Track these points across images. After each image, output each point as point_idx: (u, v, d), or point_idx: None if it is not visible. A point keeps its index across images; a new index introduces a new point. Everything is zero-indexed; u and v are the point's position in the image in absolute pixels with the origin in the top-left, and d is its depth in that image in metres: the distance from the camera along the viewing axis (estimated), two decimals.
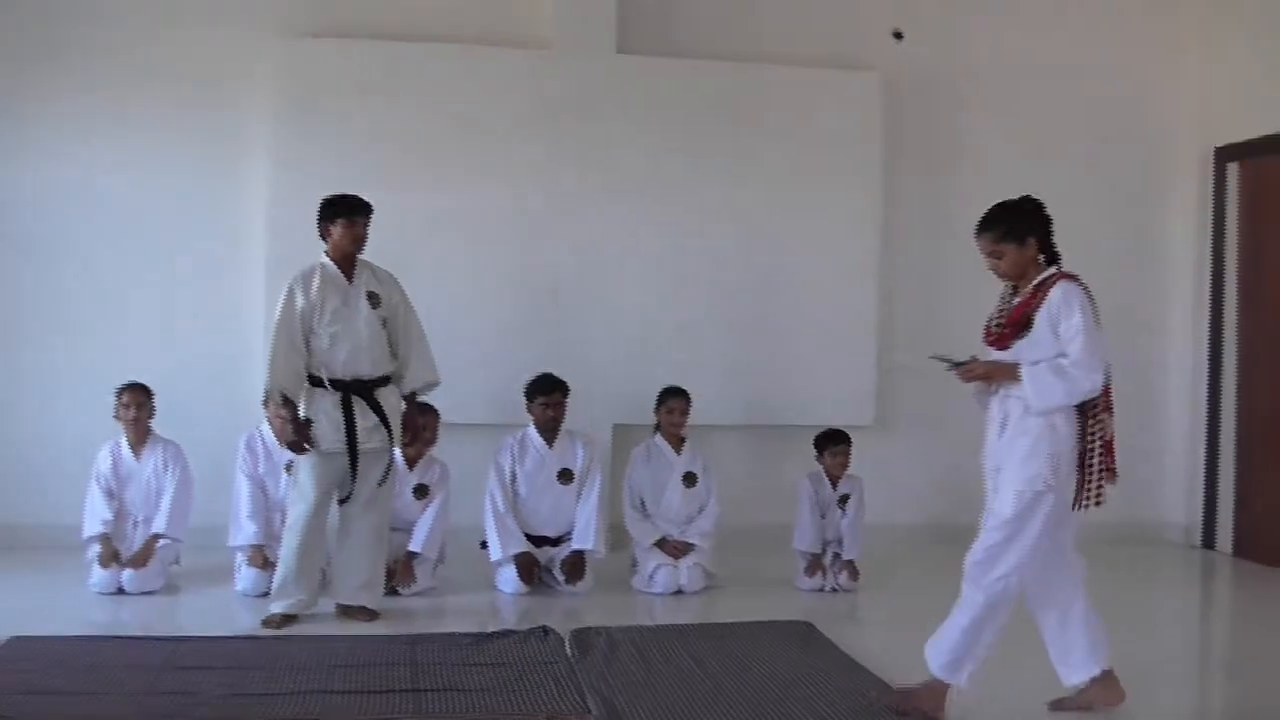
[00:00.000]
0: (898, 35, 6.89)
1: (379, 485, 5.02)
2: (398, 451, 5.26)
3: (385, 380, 5.05)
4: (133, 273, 6.50)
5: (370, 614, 5.07)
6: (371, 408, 4.97)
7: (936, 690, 3.84)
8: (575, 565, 5.82)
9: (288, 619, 5.02)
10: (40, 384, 6.53)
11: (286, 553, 5.06)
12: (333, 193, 5.15)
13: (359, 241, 5.03)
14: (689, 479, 6.05)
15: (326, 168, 6.15)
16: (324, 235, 5.06)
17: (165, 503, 5.65)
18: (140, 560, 5.59)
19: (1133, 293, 7.39)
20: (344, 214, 5.01)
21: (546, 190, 6.54)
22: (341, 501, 5.05)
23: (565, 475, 5.90)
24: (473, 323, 6.49)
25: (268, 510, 5.74)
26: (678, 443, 6.11)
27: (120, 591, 5.58)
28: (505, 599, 5.57)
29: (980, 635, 3.82)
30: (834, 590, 5.97)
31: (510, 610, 5.45)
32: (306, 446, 4.88)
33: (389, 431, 5.00)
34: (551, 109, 6.71)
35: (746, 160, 6.93)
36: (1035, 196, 3.83)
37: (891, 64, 7.20)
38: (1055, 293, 3.72)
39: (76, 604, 5.37)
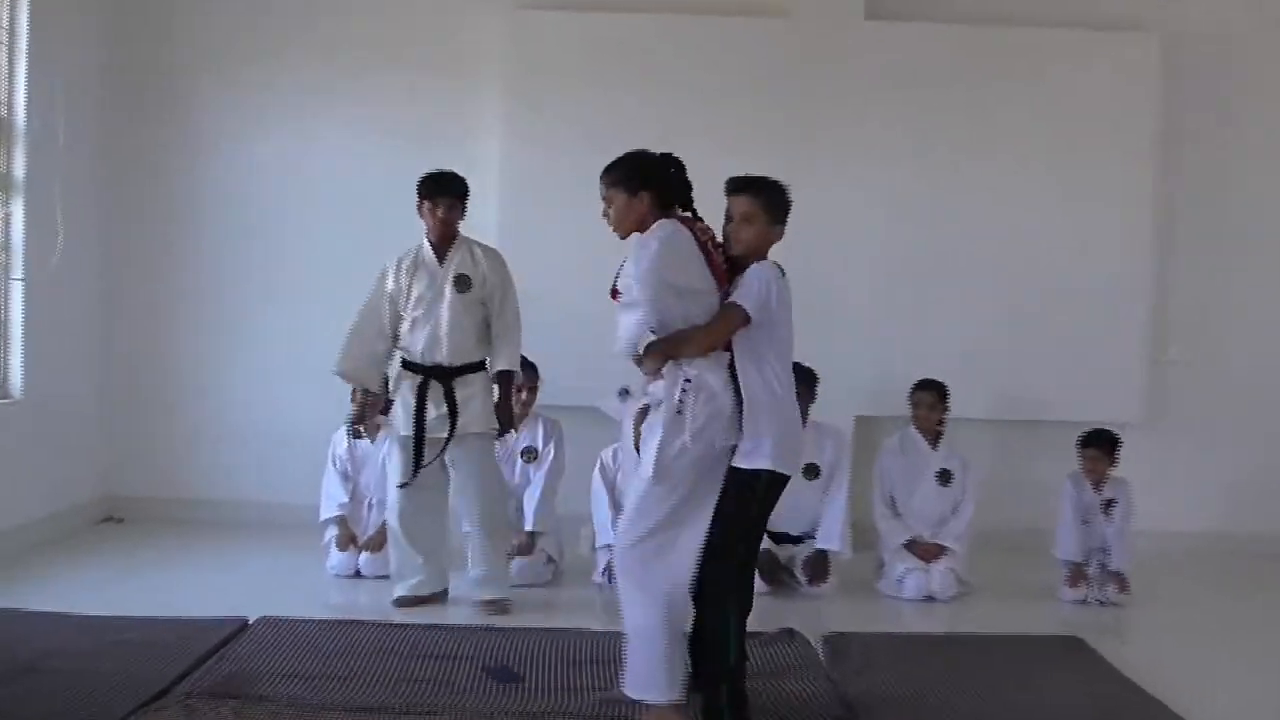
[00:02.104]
0: None
1: (421, 467, 4.93)
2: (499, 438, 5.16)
3: (473, 368, 4.95)
4: (358, 255, 6.29)
5: (498, 606, 5.05)
6: (446, 395, 4.88)
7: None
8: (819, 565, 5.72)
9: (416, 600, 5.07)
10: (269, 367, 6.75)
11: (390, 535, 5.13)
12: (456, 171, 5.08)
13: (445, 225, 4.92)
14: (944, 476, 5.92)
15: (557, 142, 6.26)
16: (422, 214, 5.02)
17: None
18: (376, 544, 5.65)
19: None
20: (429, 194, 4.93)
21: (784, 165, 6.22)
22: (401, 486, 5.02)
23: (811, 470, 5.73)
24: None
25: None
26: (934, 437, 5.97)
27: (357, 574, 5.70)
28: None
29: None
30: (1100, 603, 5.76)
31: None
32: (361, 431, 4.94)
33: (453, 421, 4.88)
34: (791, 78, 6.60)
35: (1001, 132, 6.74)
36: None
37: (1170, 23, 6.88)
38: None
39: (315, 586, 5.52)
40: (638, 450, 3.55)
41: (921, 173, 6.68)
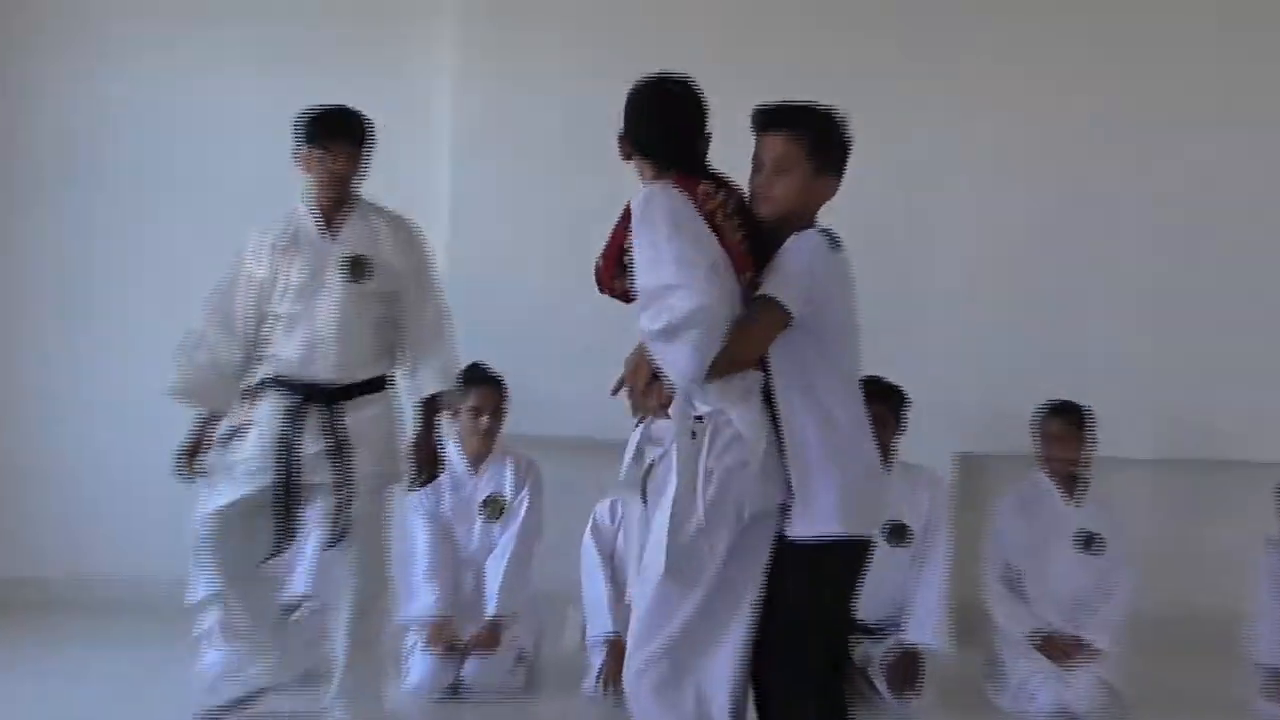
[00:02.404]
0: None
1: (324, 549, 4.39)
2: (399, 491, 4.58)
3: (369, 386, 4.36)
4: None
5: None
6: (329, 427, 4.29)
7: None
8: (908, 668, 5.03)
9: (241, 705, 4.47)
10: (121, 386, 5.78)
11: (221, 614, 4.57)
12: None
13: (339, 184, 4.36)
14: (1088, 541, 5.18)
15: (537, 75, 5.65)
16: (302, 167, 4.46)
17: None
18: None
19: None
20: (319, 137, 4.35)
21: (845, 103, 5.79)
22: (267, 560, 4.43)
23: (897, 532, 4.89)
24: None
25: (456, 565, 5.16)
26: (1070, 484, 5.22)
27: None
28: None
29: None
30: None
31: None
32: (195, 469, 4.37)
33: (344, 466, 4.30)
34: None
35: (1167, 64, 5.84)
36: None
37: None
38: None
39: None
40: (645, 502, 3.24)
41: (1039, 118, 5.80)
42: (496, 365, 5.06)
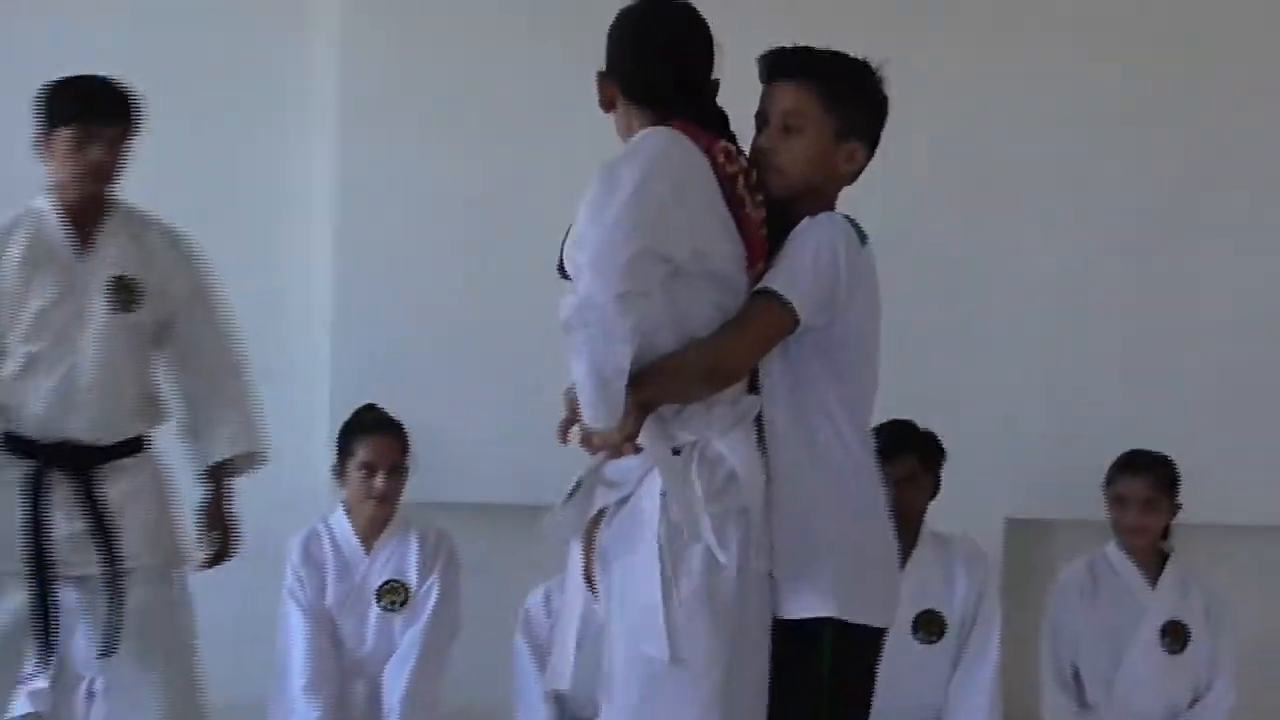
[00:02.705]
0: None
1: (99, 657, 3.99)
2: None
3: (129, 448, 3.96)
4: None
5: None
6: (85, 499, 3.89)
7: None
8: None
9: None
10: None
11: None
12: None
13: (100, 178, 3.90)
14: (1175, 634, 4.67)
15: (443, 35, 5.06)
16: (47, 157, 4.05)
17: None
18: None
19: None
20: (76, 117, 3.89)
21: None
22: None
23: (930, 624, 4.65)
24: None
25: (340, 671, 4.70)
26: (1150, 560, 4.69)
27: None
28: None
29: None
30: None
31: None
32: None
33: (110, 551, 3.88)
34: None
35: None
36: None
37: None
38: None
39: None
40: (592, 587, 2.85)
41: (1103, 94, 5.10)
42: (396, 406, 4.54)
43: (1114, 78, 5.27)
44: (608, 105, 2.86)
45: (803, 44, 2.87)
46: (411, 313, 4.71)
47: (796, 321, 2.73)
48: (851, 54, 2.88)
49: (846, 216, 2.85)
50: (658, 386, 2.72)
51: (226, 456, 3.97)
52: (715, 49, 2.86)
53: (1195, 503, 4.73)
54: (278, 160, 5.10)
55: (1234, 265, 5.36)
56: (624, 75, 2.82)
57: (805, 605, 2.80)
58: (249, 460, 4.02)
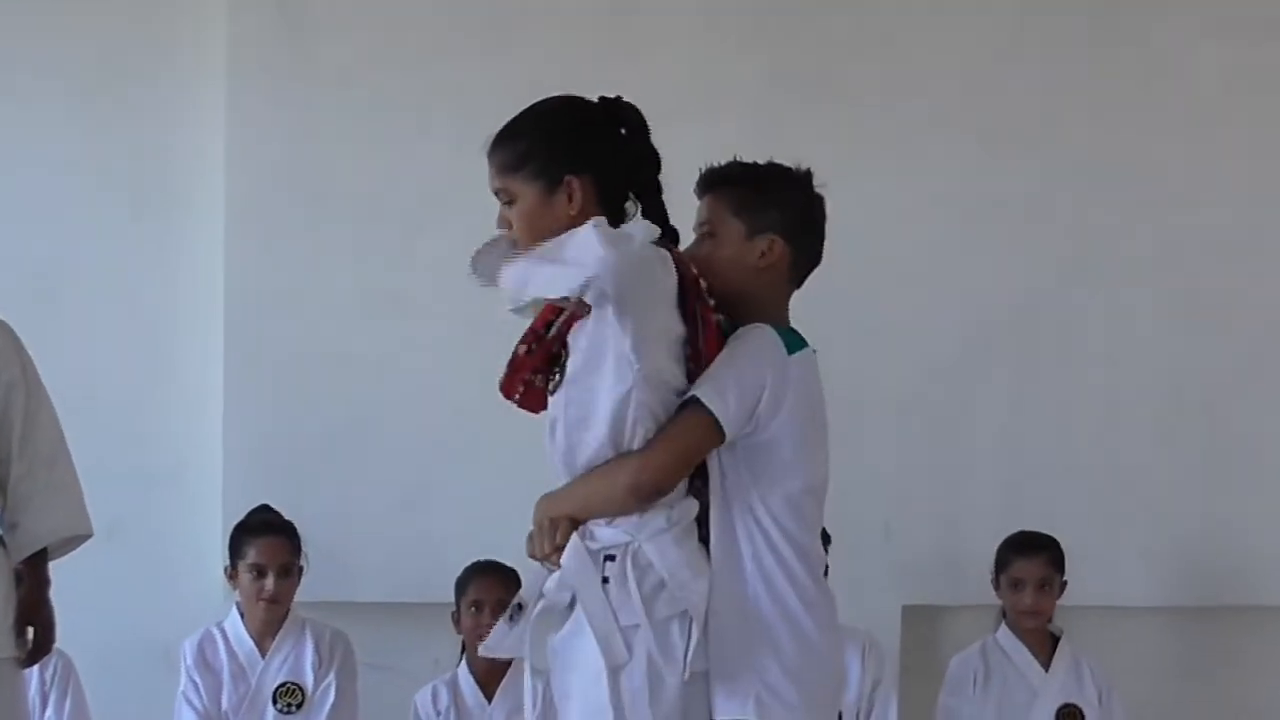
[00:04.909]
0: None
1: None
2: None
3: None
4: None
5: None
6: None
7: None
8: None
9: None
10: None
11: None
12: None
13: None
14: (1069, 717, 4.71)
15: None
16: None
17: None
18: None
19: None
20: None
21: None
22: None
23: None
24: None
25: None
26: (1041, 642, 4.71)
27: None
28: None
29: None
30: None
31: None
32: None
33: None
34: None
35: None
36: None
37: None
38: None
39: None
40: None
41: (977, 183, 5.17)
42: (290, 506, 4.48)
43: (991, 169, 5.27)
44: (551, 181, 2.78)
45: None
46: (305, 411, 4.67)
47: (719, 434, 2.76)
48: (768, 164, 2.95)
49: (781, 326, 2.90)
50: (583, 502, 2.76)
51: (49, 543, 3.89)
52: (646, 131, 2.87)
53: (1080, 584, 4.76)
54: (169, 256, 5.01)
55: (1110, 348, 5.32)
56: (572, 148, 2.78)
57: (728, 708, 2.82)
58: (64, 546, 3.95)
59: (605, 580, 2.75)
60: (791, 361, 2.86)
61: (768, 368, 2.83)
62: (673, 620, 2.77)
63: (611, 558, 2.76)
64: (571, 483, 2.78)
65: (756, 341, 2.84)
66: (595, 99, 2.83)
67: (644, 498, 2.72)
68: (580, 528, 2.77)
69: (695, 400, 2.74)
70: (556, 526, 2.77)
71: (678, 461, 2.78)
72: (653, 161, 2.87)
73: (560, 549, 2.77)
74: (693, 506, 2.80)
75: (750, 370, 2.82)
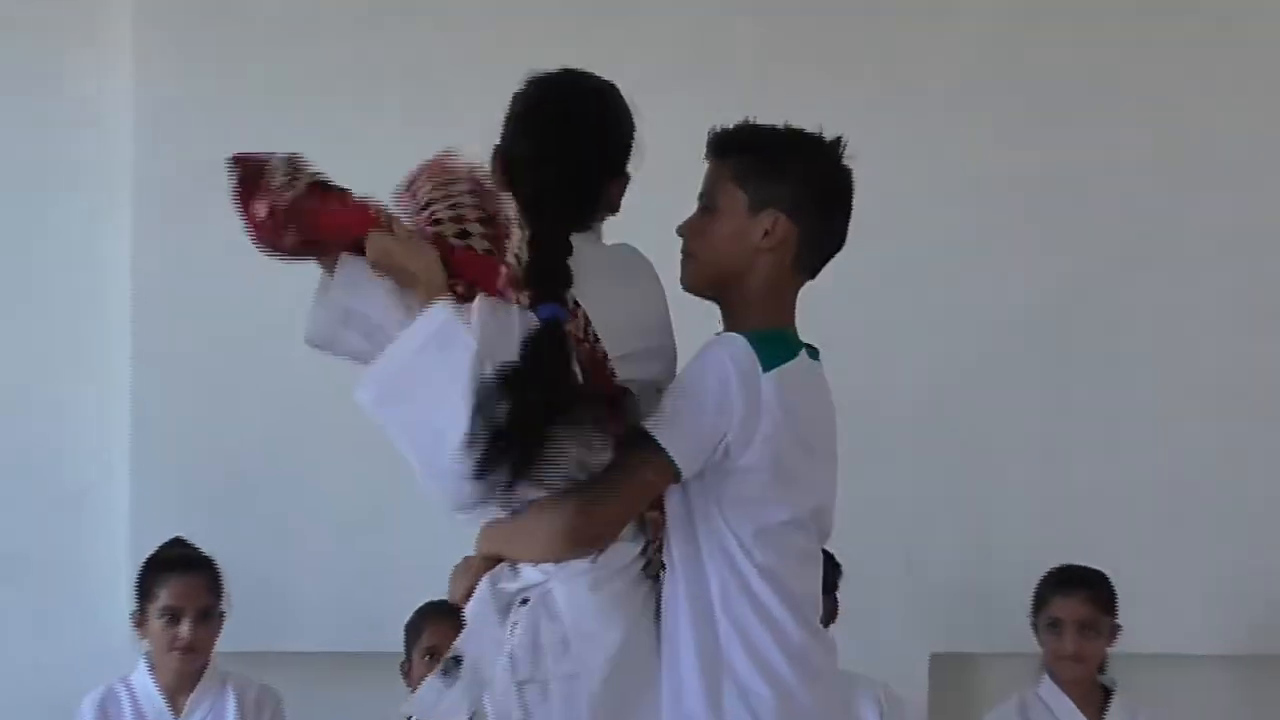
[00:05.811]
0: None
1: None
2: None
3: None
4: None
5: None
6: None
7: None
8: None
9: None
10: None
11: None
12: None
13: None
14: None
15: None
16: None
17: None
18: None
19: None
20: None
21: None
22: None
23: None
24: None
25: None
26: (1091, 698, 4.42)
27: None
28: None
29: None
30: None
31: None
32: None
33: None
34: None
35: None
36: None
37: None
38: None
39: None
40: None
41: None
42: (206, 541, 4.11)
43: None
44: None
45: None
46: (229, 425, 4.36)
47: (679, 476, 2.57)
48: (784, 127, 2.73)
49: (770, 329, 2.69)
50: (505, 542, 2.56)
51: None
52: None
53: (1133, 629, 4.48)
54: (64, 242, 4.78)
55: (1163, 350, 5.03)
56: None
57: None
58: None
59: (514, 627, 2.61)
60: (767, 379, 2.62)
61: (733, 395, 2.61)
62: (555, 682, 2.62)
63: (526, 600, 2.62)
64: (491, 524, 2.63)
65: (715, 364, 2.62)
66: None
67: (579, 545, 2.56)
68: (498, 565, 2.61)
69: (647, 437, 2.53)
70: (471, 566, 2.63)
71: (626, 511, 2.62)
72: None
73: (467, 595, 2.62)
74: (628, 551, 2.63)
75: (709, 401, 2.62)
